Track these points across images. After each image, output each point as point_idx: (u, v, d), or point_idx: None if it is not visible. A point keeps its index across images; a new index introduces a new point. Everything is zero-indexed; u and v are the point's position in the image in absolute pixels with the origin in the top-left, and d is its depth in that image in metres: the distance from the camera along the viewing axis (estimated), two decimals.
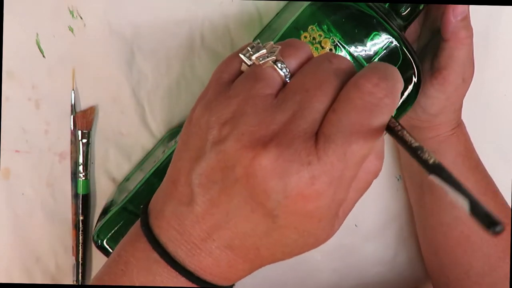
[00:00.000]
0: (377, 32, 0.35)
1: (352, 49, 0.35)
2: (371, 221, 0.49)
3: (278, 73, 0.25)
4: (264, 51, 0.25)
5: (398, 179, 0.48)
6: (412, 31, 0.41)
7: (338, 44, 0.35)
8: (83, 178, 0.43)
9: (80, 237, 0.44)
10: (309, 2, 0.35)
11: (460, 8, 0.36)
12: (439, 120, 0.41)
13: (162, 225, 0.27)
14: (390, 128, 0.24)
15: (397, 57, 0.36)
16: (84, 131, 0.43)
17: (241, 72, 0.27)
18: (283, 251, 0.26)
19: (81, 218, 0.44)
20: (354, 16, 0.35)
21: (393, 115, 0.24)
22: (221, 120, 0.24)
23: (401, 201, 0.49)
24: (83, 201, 0.44)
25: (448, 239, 0.43)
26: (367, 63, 0.36)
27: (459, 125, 0.42)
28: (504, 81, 0.48)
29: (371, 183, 0.27)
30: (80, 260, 0.44)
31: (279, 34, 0.35)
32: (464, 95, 0.40)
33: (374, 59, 0.35)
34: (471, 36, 0.37)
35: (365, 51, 0.35)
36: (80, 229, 0.44)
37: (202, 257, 0.26)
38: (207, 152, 0.24)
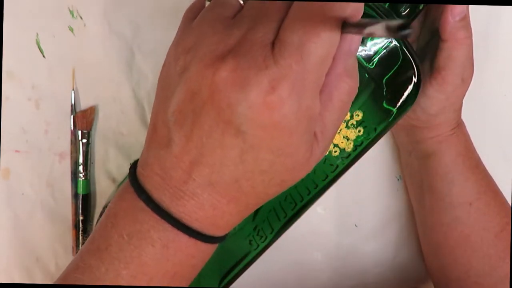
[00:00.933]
0: None
1: None
2: (371, 221, 0.49)
3: None
4: None
5: (398, 179, 0.48)
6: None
7: None
8: (83, 178, 0.43)
9: (80, 237, 0.44)
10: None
11: (459, 8, 0.36)
12: (439, 120, 0.41)
13: (146, 173, 0.27)
14: (347, 24, 0.23)
15: (397, 57, 0.36)
16: (84, 131, 0.43)
17: None
18: (263, 179, 0.26)
19: (81, 218, 0.44)
20: None
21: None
22: (185, 49, 0.25)
23: (401, 201, 0.49)
24: (83, 201, 0.44)
25: (448, 239, 0.43)
26: (367, 63, 0.36)
27: (459, 125, 0.42)
28: (504, 81, 0.47)
29: (347, 104, 0.26)
30: None
31: None
32: (464, 95, 0.40)
33: (374, 59, 0.35)
34: (470, 36, 0.37)
35: (365, 51, 0.35)
36: (80, 229, 0.44)
37: (186, 200, 0.26)
38: (177, 85, 0.25)
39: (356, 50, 0.25)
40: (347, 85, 0.25)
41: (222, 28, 0.24)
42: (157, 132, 0.26)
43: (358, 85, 0.26)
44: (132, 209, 0.27)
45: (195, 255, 0.27)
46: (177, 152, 0.25)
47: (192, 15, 0.27)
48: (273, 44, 0.24)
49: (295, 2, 0.24)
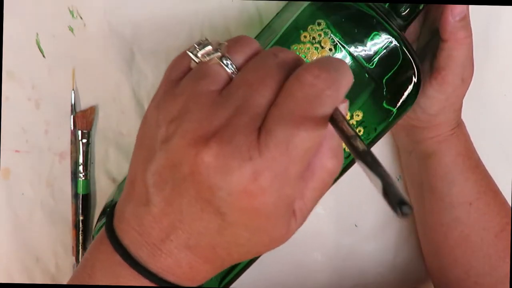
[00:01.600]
0: (377, 32, 0.35)
1: (352, 49, 0.35)
2: (371, 221, 0.49)
3: (224, 69, 0.25)
4: (209, 47, 0.25)
5: (398, 179, 0.48)
6: (412, 31, 0.41)
7: (338, 44, 0.35)
8: (83, 178, 0.43)
9: (80, 237, 0.44)
10: (309, 2, 0.35)
11: (459, 8, 0.36)
12: (439, 120, 0.41)
13: (123, 227, 0.27)
14: (333, 120, 0.23)
15: (397, 57, 0.36)
16: (84, 131, 0.43)
17: (190, 70, 0.26)
18: (239, 251, 0.26)
19: (81, 218, 0.44)
20: (354, 16, 0.35)
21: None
22: (168, 118, 0.24)
23: None
24: (83, 201, 0.44)
25: (448, 239, 0.43)
26: (367, 63, 0.36)
27: (459, 125, 0.42)
28: (504, 81, 0.48)
29: (329, 183, 0.26)
30: (80, 260, 0.44)
31: (279, 34, 0.35)
32: (464, 95, 0.40)
33: (374, 59, 0.35)
34: (470, 36, 0.37)
35: (365, 51, 0.35)
36: (80, 229, 0.44)
37: (163, 258, 0.26)
38: (157, 151, 0.25)
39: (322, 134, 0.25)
40: (331, 165, 0.25)
41: (208, 105, 0.24)
42: (135, 189, 0.26)
43: (341, 165, 0.26)
44: (109, 262, 0.27)
45: None
46: (155, 213, 0.25)
47: (175, 77, 0.26)
48: (259, 129, 0.23)
49: (283, 91, 0.23)
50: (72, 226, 0.44)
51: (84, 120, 0.43)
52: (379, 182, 0.20)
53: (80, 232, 0.44)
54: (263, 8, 0.42)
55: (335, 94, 0.23)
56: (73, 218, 0.44)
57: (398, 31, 0.35)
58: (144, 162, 0.25)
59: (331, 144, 0.25)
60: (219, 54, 0.25)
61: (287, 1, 0.42)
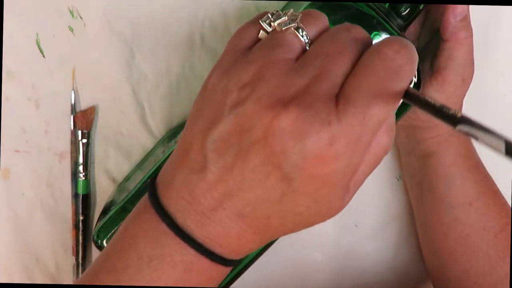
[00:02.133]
0: (377, 32, 0.35)
1: None
2: (371, 221, 0.49)
3: (299, 39, 0.25)
4: (285, 18, 0.25)
5: (398, 179, 0.48)
6: (412, 31, 0.41)
7: None
8: (83, 178, 0.43)
9: (80, 237, 0.44)
10: (309, 2, 0.35)
11: (460, 8, 0.36)
12: (439, 120, 0.41)
13: (171, 196, 0.26)
14: (409, 94, 0.24)
15: None
16: (84, 131, 0.43)
17: (259, 40, 0.27)
18: (294, 220, 0.26)
19: (81, 218, 0.44)
20: (354, 16, 0.35)
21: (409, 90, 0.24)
22: (240, 83, 0.24)
23: (401, 201, 0.49)
24: (83, 201, 0.44)
25: (448, 239, 0.43)
26: None
27: None
28: (504, 81, 0.48)
29: (380, 160, 0.26)
30: (80, 260, 0.44)
31: None
32: (464, 96, 0.40)
33: None
34: (470, 36, 0.37)
35: None
36: (80, 229, 0.44)
37: (212, 227, 0.25)
38: (224, 116, 0.24)
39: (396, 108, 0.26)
40: (385, 141, 0.26)
41: (285, 72, 0.24)
42: (189, 156, 0.25)
43: (392, 143, 0.27)
44: (153, 231, 0.26)
45: (214, 278, 0.27)
46: (211, 180, 0.25)
47: (243, 46, 0.26)
48: (337, 97, 0.24)
49: (362, 62, 0.24)
50: (72, 226, 0.44)
51: (84, 120, 0.43)
52: (500, 143, 0.21)
53: (80, 232, 0.44)
54: (263, 8, 0.42)
55: (411, 70, 0.24)
56: (73, 218, 0.44)
57: (398, 31, 0.35)
58: (205, 130, 0.25)
59: (389, 121, 0.25)
60: (294, 24, 0.25)
61: (287, 1, 0.42)
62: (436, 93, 0.39)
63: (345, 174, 0.24)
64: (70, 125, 0.43)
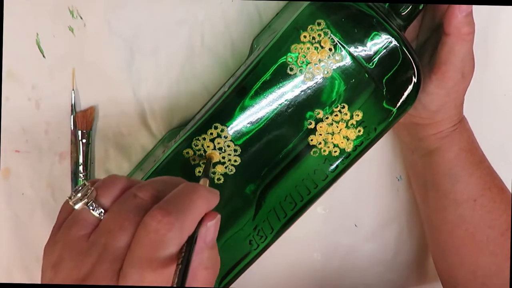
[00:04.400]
0: (377, 32, 0.35)
1: (352, 49, 0.35)
2: (371, 221, 0.49)
3: (92, 214, 0.28)
4: (79, 194, 0.29)
5: (398, 179, 0.48)
6: (411, 30, 0.41)
7: (338, 43, 0.35)
8: (83, 178, 0.43)
9: None
10: (308, 2, 0.35)
11: (466, 5, 0.37)
12: (441, 117, 0.41)
13: None
14: (187, 247, 0.27)
15: (396, 57, 0.36)
16: (84, 131, 0.43)
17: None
18: None
19: None
20: (354, 16, 0.35)
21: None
22: (51, 263, 0.28)
23: (401, 201, 0.49)
24: None
25: (454, 238, 0.43)
26: (367, 63, 0.36)
27: (461, 121, 0.42)
28: (504, 81, 0.48)
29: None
30: None
31: (279, 34, 0.35)
32: (465, 91, 0.40)
33: (374, 59, 0.35)
34: (473, 33, 0.38)
35: (365, 51, 0.35)
36: None
37: None
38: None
39: (211, 243, 0.28)
40: (203, 277, 0.28)
41: (78, 252, 0.27)
42: None
43: (217, 270, 0.29)
44: None
45: None
46: None
47: (61, 220, 0.30)
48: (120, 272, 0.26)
49: (134, 237, 0.27)
50: None
51: (84, 120, 0.43)
52: None
53: None
54: (263, 8, 0.42)
55: (178, 234, 0.26)
56: None
57: (398, 31, 0.35)
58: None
59: (201, 258, 0.28)
60: (86, 200, 0.29)
61: (287, 1, 0.42)
62: (436, 89, 0.39)
63: None
64: (70, 125, 0.43)
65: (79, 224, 0.29)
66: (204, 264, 0.28)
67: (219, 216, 0.29)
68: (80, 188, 0.29)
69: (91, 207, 0.28)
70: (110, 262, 0.27)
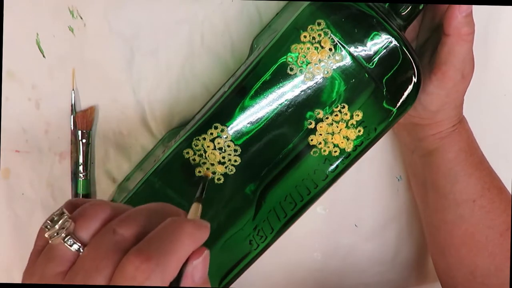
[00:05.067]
0: (377, 32, 0.35)
1: (352, 49, 0.35)
2: (371, 221, 0.49)
3: (69, 249, 0.26)
4: (56, 227, 0.27)
5: (398, 179, 0.48)
6: (410, 30, 0.41)
7: (338, 43, 0.35)
8: (83, 178, 0.43)
9: None
10: (308, 2, 0.35)
11: (465, 6, 0.37)
12: (440, 117, 0.41)
13: None
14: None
15: (396, 57, 0.36)
16: (84, 131, 0.43)
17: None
18: None
19: None
20: (354, 16, 0.35)
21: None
22: None
23: (401, 201, 0.49)
24: None
25: (453, 237, 0.43)
26: (367, 63, 0.36)
27: (461, 122, 0.42)
28: (504, 81, 0.48)
29: None
30: None
31: (279, 34, 0.35)
32: (465, 92, 0.40)
33: (374, 59, 0.35)
34: (473, 33, 0.38)
35: (365, 51, 0.35)
36: None
37: None
38: None
39: (200, 280, 0.26)
40: None
41: None
42: None
43: None
44: None
45: None
46: None
47: (40, 247, 0.28)
48: None
49: (113, 280, 0.25)
50: None
51: (84, 120, 0.43)
52: None
53: None
54: (263, 8, 0.42)
55: (157, 281, 0.24)
56: None
57: (398, 31, 0.35)
58: None
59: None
60: (63, 235, 0.26)
61: (287, 1, 0.42)
62: (435, 89, 0.39)
63: None
64: (70, 125, 0.43)
65: (56, 260, 0.27)
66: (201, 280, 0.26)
67: (207, 251, 0.27)
68: (57, 217, 0.27)
69: (68, 242, 0.27)
70: None
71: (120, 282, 0.25)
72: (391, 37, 0.35)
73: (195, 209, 0.30)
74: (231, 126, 0.37)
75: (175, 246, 0.25)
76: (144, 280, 0.24)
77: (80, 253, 0.26)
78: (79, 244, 0.26)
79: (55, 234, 0.27)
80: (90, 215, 0.28)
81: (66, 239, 0.26)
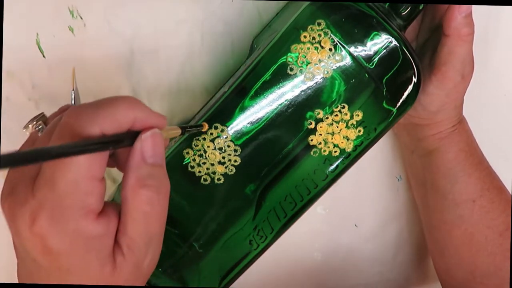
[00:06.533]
0: (376, 32, 0.35)
1: (352, 49, 0.35)
2: (371, 221, 0.49)
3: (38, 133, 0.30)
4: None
5: (398, 179, 0.48)
6: (410, 30, 0.41)
7: (338, 43, 0.35)
8: None
9: None
10: (308, 2, 0.35)
11: (465, 6, 0.37)
12: (440, 117, 0.41)
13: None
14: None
15: (396, 57, 0.36)
16: None
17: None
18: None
19: None
20: (354, 16, 0.35)
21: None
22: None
23: (401, 201, 0.49)
24: None
25: (453, 237, 0.43)
26: (367, 63, 0.36)
27: (461, 122, 0.42)
28: (504, 81, 0.48)
29: (152, 213, 0.27)
30: None
31: (279, 34, 0.36)
32: (464, 92, 0.40)
33: (374, 59, 0.35)
34: (472, 34, 0.38)
35: (365, 51, 0.35)
36: None
37: None
38: None
39: (151, 159, 0.27)
40: (144, 196, 0.26)
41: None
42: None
43: (163, 191, 0.27)
44: None
45: None
46: None
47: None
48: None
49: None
50: None
51: None
52: None
53: None
54: (263, 8, 0.42)
55: (90, 122, 0.25)
56: None
57: (398, 31, 0.35)
58: None
59: (139, 174, 0.26)
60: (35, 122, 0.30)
61: (287, 1, 0.42)
62: (435, 90, 0.39)
63: (70, 242, 0.25)
64: None
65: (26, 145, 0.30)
66: (143, 182, 0.26)
67: (156, 130, 0.27)
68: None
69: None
70: (28, 171, 0.26)
71: (57, 130, 0.26)
72: (391, 37, 0.35)
73: (173, 128, 0.31)
74: (231, 126, 0.37)
75: (109, 105, 0.26)
76: (74, 121, 0.25)
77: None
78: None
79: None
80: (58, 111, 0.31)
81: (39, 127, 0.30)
